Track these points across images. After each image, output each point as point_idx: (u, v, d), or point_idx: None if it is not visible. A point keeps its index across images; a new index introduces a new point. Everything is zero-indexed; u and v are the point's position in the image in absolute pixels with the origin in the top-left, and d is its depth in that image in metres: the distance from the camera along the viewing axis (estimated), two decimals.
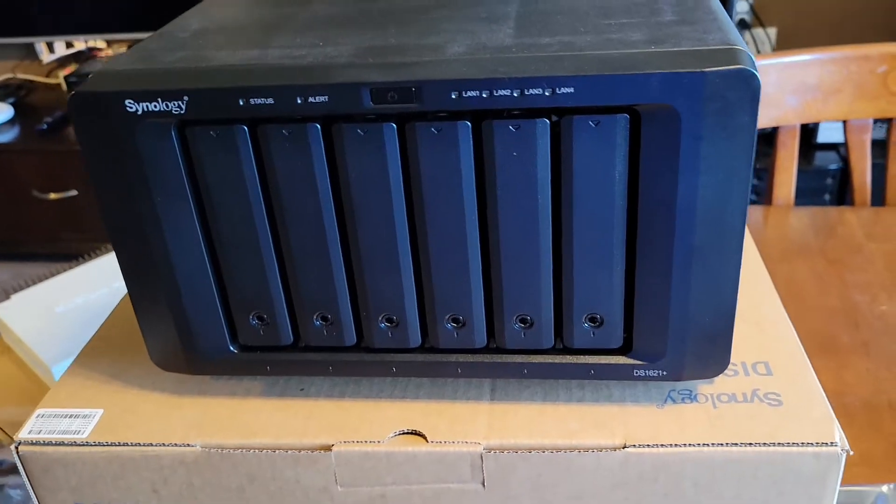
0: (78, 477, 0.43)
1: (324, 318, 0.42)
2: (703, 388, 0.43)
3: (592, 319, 0.40)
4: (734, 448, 0.39)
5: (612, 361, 0.41)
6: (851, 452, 0.39)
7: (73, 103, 0.37)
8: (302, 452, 0.42)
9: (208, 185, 0.39)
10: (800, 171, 1.45)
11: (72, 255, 2.05)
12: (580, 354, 0.41)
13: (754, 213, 0.97)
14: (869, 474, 0.59)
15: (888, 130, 1.02)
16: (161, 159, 0.38)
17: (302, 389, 0.45)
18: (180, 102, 0.36)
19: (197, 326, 0.42)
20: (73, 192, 2.02)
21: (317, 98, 0.35)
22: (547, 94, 0.34)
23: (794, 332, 0.47)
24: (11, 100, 2.14)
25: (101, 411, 0.45)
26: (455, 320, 0.41)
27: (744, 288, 0.48)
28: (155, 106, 0.36)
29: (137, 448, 0.43)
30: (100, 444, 0.43)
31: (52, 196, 2.02)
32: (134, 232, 0.40)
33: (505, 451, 0.41)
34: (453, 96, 0.35)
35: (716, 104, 0.34)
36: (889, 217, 0.94)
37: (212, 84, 0.36)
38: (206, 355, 0.44)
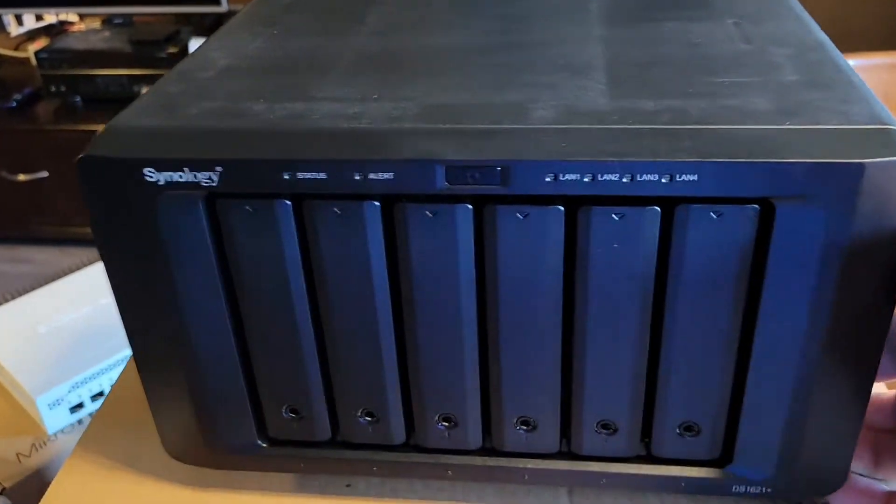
0: None
1: (369, 414, 0.36)
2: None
3: (689, 428, 0.34)
4: None
5: (708, 475, 0.35)
6: None
7: (81, 168, 0.31)
8: None
9: (241, 265, 0.32)
10: None
11: (42, 238, 1.97)
12: (669, 465, 0.36)
13: None
14: None
15: None
16: (185, 235, 0.32)
17: (348, 485, 0.39)
18: (212, 174, 0.30)
19: (220, 417, 0.36)
20: (44, 174, 1.93)
21: (379, 175, 0.29)
22: (664, 181, 0.28)
23: None
24: None
25: None
26: (525, 423, 0.35)
27: None
28: (181, 176, 0.30)
29: None
30: None
31: (22, 177, 1.94)
32: (149, 312, 0.34)
33: None
34: (547, 180, 0.28)
35: (872, 202, 0.27)
36: None
37: (251, 154, 0.30)
38: (231, 449, 0.37)
